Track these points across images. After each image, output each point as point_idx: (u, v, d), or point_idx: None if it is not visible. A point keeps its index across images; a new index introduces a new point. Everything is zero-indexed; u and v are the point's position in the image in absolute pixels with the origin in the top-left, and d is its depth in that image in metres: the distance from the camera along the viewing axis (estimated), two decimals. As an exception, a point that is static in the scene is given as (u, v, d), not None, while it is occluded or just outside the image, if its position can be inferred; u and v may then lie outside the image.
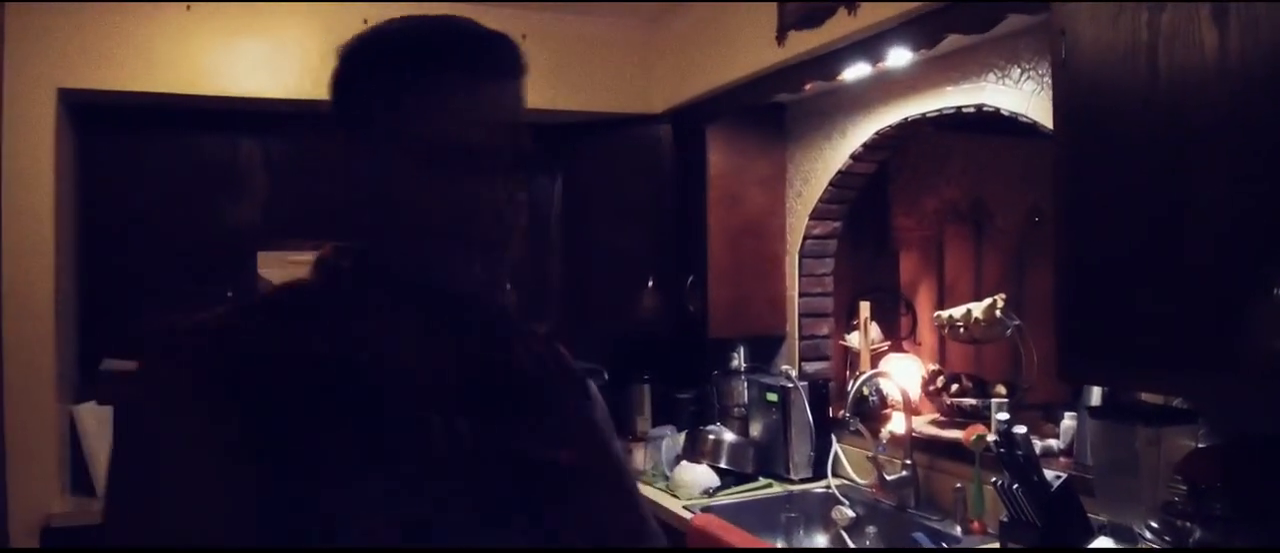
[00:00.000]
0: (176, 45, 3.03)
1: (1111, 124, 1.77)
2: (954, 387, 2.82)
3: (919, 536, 2.53)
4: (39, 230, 2.92)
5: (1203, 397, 1.92)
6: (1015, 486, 2.16)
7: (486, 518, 0.89)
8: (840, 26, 2.53)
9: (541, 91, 3.65)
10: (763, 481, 3.15)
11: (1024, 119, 2.48)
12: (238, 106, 3.20)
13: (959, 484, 2.60)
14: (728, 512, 2.89)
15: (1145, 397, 2.12)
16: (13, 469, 2.88)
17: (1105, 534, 2.06)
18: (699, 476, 3.08)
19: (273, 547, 0.80)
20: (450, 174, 0.87)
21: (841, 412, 3.19)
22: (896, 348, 3.41)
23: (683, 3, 3.31)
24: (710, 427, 3.30)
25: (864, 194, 3.37)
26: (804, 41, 2.68)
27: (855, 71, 2.70)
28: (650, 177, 3.51)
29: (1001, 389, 2.71)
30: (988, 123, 3.39)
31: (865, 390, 3.00)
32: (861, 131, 3.07)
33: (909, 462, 2.79)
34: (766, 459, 3.20)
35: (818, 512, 2.97)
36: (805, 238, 3.35)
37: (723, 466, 3.15)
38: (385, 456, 0.85)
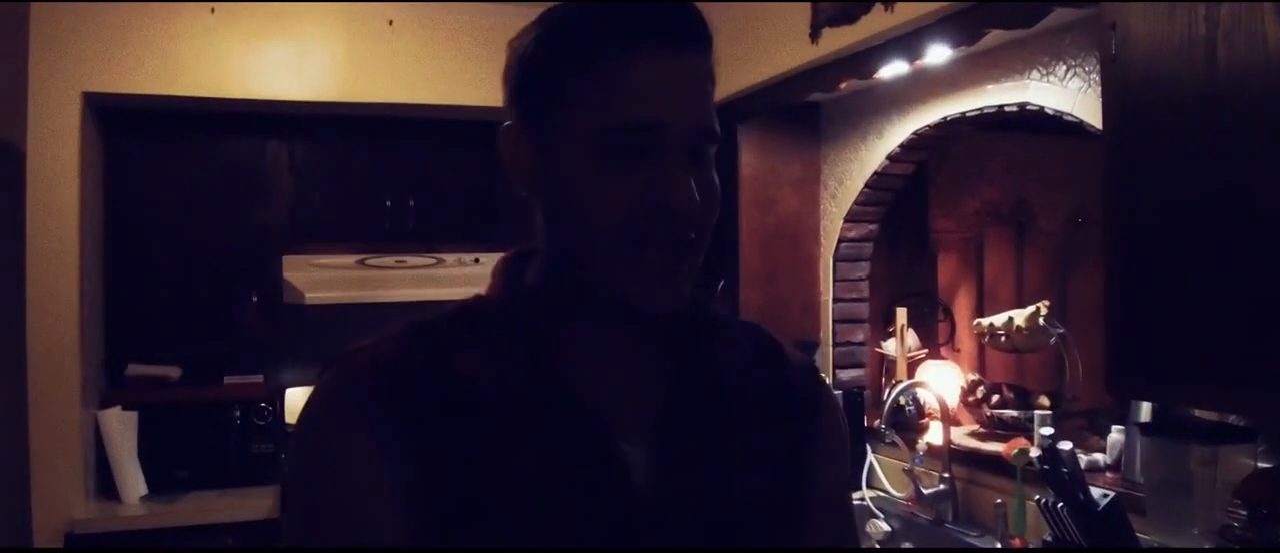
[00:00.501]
0: (201, 48, 3.00)
1: (1166, 122, 1.67)
2: (995, 397, 2.71)
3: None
4: (64, 234, 2.91)
5: (1263, 414, 1.81)
6: (1059, 504, 2.06)
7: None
8: (876, 23, 2.43)
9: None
10: (795, 492, 3.05)
11: (1069, 118, 2.37)
12: (263, 109, 3.17)
13: (999, 500, 2.50)
14: (759, 524, 2.81)
15: (1199, 412, 2.00)
16: (36, 474, 2.86)
17: (1157, 557, 1.95)
18: (729, 486, 2.99)
19: None
20: (633, 162, 0.76)
21: (877, 421, 3.08)
22: (934, 355, 3.30)
23: (712, 2, 3.23)
24: (741, 436, 3.21)
25: (901, 196, 3.27)
26: (839, 39, 2.58)
27: (892, 70, 2.60)
28: (680, 179, 3.43)
29: (1045, 400, 2.59)
30: (1030, 122, 3.28)
31: (902, 400, 2.90)
32: (899, 132, 2.96)
33: (947, 475, 2.69)
34: (799, 470, 3.10)
35: (852, 525, 2.87)
36: (840, 241, 3.26)
37: (754, 476, 3.06)
38: (577, 495, 0.77)
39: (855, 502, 2.94)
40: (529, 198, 0.83)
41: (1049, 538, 2.16)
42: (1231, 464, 1.77)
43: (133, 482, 3.10)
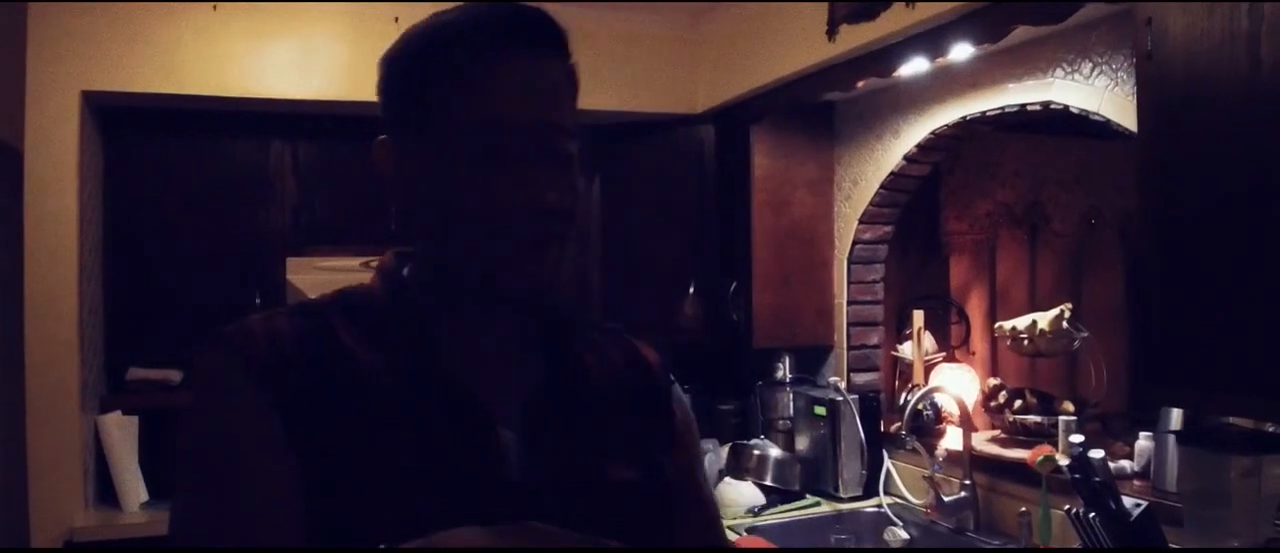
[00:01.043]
0: (203, 46, 2.94)
1: (1205, 121, 1.63)
2: (1017, 403, 2.65)
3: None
4: (63, 236, 2.84)
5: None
6: (1091, 514, 2.00)
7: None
8: (897, 20, 2.37)
9: (581, 91, 3.54)
10: (810, 499, 2.99)
11: (1096, 117, 2.31)
12: (266, 109, 3.10)
13: (1024, 509, 2.44)
14: (774, 532, 2.76)
15: (1234, 419, 1.95)
16: (34, 481, 2.80)
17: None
18: (743, 493, 2.94)
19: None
20: (488, 161, 0.81)
21: (894, 426, 3.03)
22: (950, 359, 3.24)
23: (723, 1, 3.18)
24: (754, 441, 3.16)
25: (915, 197, 3.21)
26: (857, 36, 2.52)
27: (912, 68, 2.54)
28: (692, 179, 3.37)
29: (1069, 406, 2.53)
30: (1044, 123, 3.23)
31: (920, 404, 2.84)
32: (916, 131, 2.91)
33: (968, 482, 2.63)
34: (814, 476, 3.05)
35: (869, 533, 2.82)
36: (854, 243, 3.20)
37: (768, 482, 3.01)
38: (451, 469, 0.80)
39: (872, 509, 2.89)
40: (404, 204, 0.87)
41: (1078, 548, 2.10)
42: (1274, 476, 1.71)
43: (133, 489, 3.03)
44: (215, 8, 2.93)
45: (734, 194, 3.24)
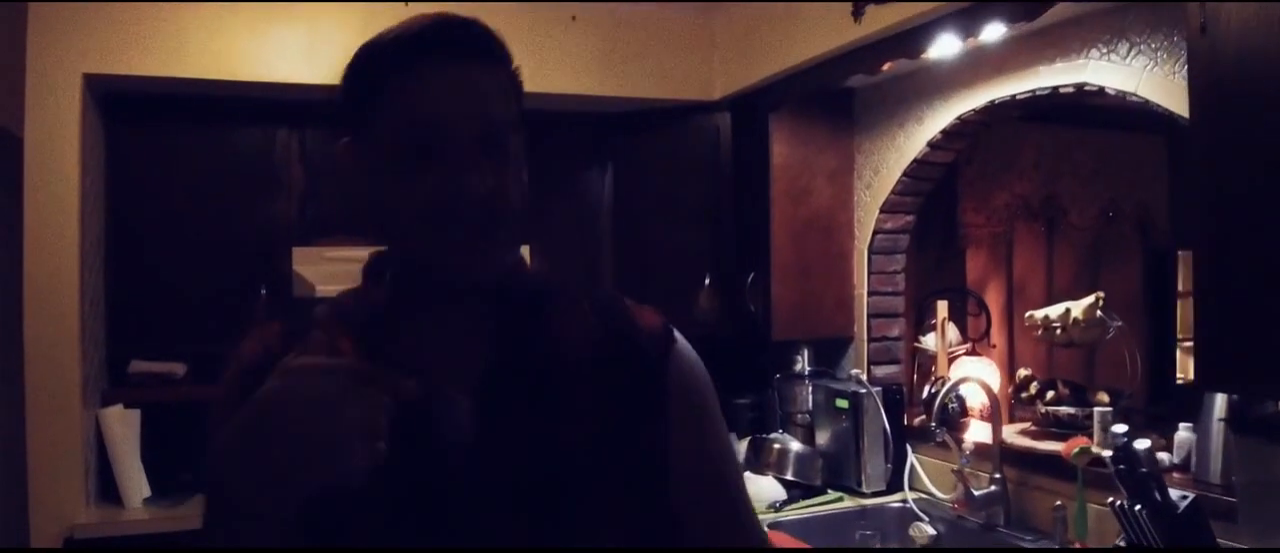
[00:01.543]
0: (208, 29, 2.86)
1: (1263, 102, 1.56)
2: (1049, 394, 2.58)
3: None
4: (64, 225, 2.76)
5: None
6: (1137, 506, 1.93)
7: (483, 506, 0.88)
8: (927, -2, 2.30)
9: (592, 78, 3.47)
10: (832, 494, 2.92)
11: (1134, 98, 2.24)
12: (273, 95, 3.02)
13: (1059, 503, 2.37)
14: (796, 528, 2.68)
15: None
16: (34, 476, 2.72)
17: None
18: (763, 488, 2.86)
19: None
20: (420, 159, 0.88)
21: (917, 419, 2.96)
22: (972, 352, 3.18)
23: (743, -18, 3.10)
24: (773, 435, 3.08)
25: (936, 186, 3.14)
26: (884, 16, 2.45)
27: (941, 49, 2.47)
28: (708, 168, 3.29)
29: (1104, 397, 2.47)
30: (1062, 111, 3.17)
31: (947, 397, 2.77)
32: (941, 117, 2.84)
33: (998, 475, 2.56)
34: (836, 471, 2.98)
35: (894, 529, 2.75)
36: (875, 233, 3.13)
37: (789, 477, 2.94)
38: (398, 437, 0.82)
39: (897, 505, 2.82)
40: (359, 203, 0.94)
41: (1122, 542, 2.03)
42: (1335, 464, 1.64)
43: (135, 484, 2.95)
44: (221, -10, 2.85)
45: (751, 183, 3.16)
